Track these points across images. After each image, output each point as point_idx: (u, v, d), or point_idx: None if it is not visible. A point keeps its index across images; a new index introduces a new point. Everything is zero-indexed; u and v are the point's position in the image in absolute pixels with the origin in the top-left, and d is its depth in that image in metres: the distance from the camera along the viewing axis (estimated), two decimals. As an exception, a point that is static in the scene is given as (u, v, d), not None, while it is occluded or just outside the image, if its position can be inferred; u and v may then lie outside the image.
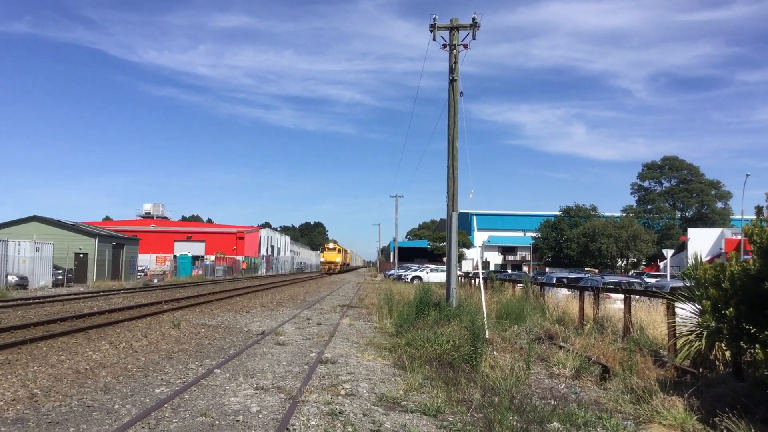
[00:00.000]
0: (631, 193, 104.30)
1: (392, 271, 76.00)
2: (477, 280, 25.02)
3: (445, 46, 22.07)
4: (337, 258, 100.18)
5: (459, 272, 40.16)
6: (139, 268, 62.66)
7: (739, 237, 58.53)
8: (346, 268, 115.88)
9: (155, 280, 55.76)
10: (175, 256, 74.81)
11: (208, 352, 13.56)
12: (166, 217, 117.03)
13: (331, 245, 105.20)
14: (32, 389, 9.23)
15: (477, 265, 23.48)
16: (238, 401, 8.77)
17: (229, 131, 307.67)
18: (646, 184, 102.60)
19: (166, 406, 8.34)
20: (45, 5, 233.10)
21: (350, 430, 7.37)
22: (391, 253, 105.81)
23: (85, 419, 7.68)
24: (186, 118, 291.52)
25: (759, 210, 8.46)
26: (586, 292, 17.22)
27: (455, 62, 21.65)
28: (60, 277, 43.09)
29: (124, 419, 7.68)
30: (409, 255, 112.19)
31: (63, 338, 15.05)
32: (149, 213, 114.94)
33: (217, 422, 7.63)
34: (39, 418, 7.65)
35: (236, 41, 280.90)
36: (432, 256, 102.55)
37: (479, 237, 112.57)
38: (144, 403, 8.53)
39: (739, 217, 62.07)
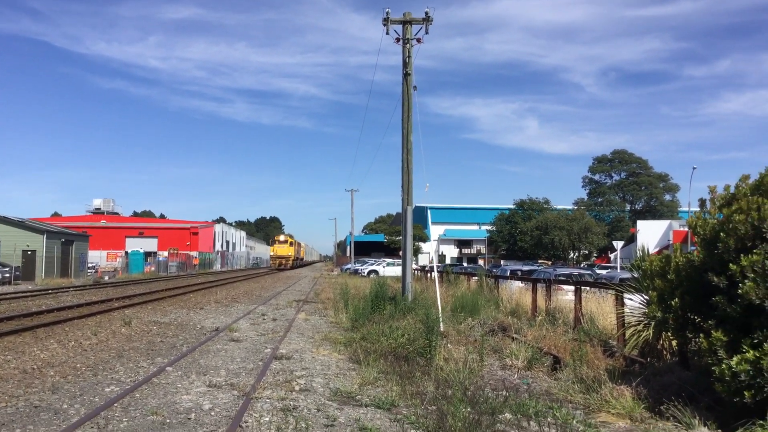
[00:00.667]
0: (583, 186, 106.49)
1: (348, 266, 76.08)
2: (433, 273, 25.16)
3: (398, 39, 22.11)
4: (289, 252, 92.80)
5: (415, 266, 40.40)
6: (90, 265, 61.36)
7: (686, 229, 60.03)
8: (299, 263, 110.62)
9: (106, 277, 54.64)
10: (126, 253, 73.60)
11: (160, 350, 13.36)
12: (116, 213, 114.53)
13: (282, 237, 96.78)
14: (-24, 391, 8.96)
15: (433, 259, 23.63)
16: (190, 399, 8.66)
17: (181, 125, 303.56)
18: (596, 177, 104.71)
19: (116, 405, 8.19)
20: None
21: (303, 425, 7.34)
22: (348, 247, 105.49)
23: (32, 420, 7.50)
24: (136, 112, 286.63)
25: (702, 202, 8.66)
26: (539, 284, 17.51)
27: (408, 56, 21.72)
28: (7, 275, 41.93)
29: (72, 419, 7.52)
30: (365, 249, 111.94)
31: (9, 337, 14.64)
32: (99, 209, 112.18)
33: (168, 421, 7.53)
34: (-17, 421, 7.44)
35: (187, 33, 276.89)
36: (388, 250, 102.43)
37: (435, 230, 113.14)
38: (93, 403, 8.36)
39: (687, 209, 63.76)
